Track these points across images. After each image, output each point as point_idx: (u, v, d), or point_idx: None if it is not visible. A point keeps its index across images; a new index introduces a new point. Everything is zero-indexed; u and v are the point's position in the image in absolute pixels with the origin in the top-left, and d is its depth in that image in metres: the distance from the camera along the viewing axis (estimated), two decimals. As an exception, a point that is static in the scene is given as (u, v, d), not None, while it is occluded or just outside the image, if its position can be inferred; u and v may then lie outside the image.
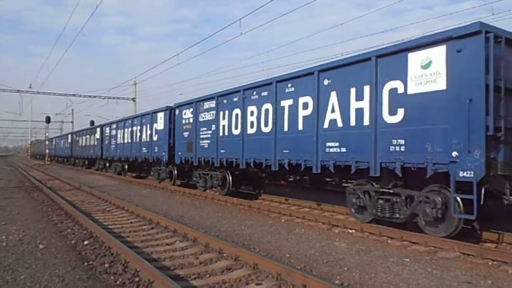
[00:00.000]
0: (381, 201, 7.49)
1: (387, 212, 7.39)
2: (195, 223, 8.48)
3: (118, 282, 4.67)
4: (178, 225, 7.55)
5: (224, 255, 5.75)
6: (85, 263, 5.38)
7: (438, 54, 6.36)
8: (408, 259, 5.76)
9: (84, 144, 31.31)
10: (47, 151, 47.56)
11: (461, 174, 6.00)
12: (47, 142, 48.91)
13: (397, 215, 7.27)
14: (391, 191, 7.37)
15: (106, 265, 5.29)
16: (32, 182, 18.65)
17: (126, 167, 22.45)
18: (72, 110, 57.05)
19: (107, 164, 26.20)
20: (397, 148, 6.97)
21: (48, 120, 45.24)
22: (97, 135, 26.95)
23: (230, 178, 12.33)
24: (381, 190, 7.51)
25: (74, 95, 40.83)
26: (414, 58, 6.71)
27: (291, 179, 13.47)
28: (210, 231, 7.54)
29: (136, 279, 4.71)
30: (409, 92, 6.78)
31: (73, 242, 6.64)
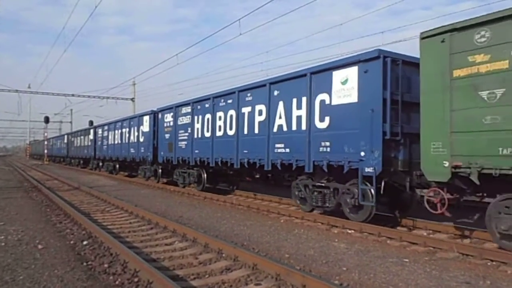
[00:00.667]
0: (315, 193, 9.01)
1: (319, 202, 8.89)
2: (194, 223, 8.48)
3: (117, 282, 4.66)
4: (177, 225, 7.54)
5: (223, 255, 5.75)
6: (84, 263, 5.37)
7: (352, 73, 7.93)
8: (407, 260, 5.77)
9: (79, 144, 33.12)
10: (45, 151, 47.48)
11: (366, 170, 7.58)
12: (45, 142, 48.82)
13: (327, 204, 8.78)
14: (322, 184, 8.86)
15: (105, 265, 5.28)
16: (30, 182, 18.62)
17: (117, 166, 23.88)
18: (71, 110, 57.02)
19: (100, 164, 27.49)
20: (325, 149, 8.56)
21: (46, 120, 45.16)
22: (91, 136, 28.66)
23: (205, 175, 13.91)
24: (316, 184, 9.03)
25: (73, 95, 40.74)
26: (337, 76, 8.28)
27: (257, 176, 14.87)
28: (209, 231, 7.54)
29: (135, 279, 4.70)
30: (333, 103, 8.35)
31: (72, 242, 6.63)
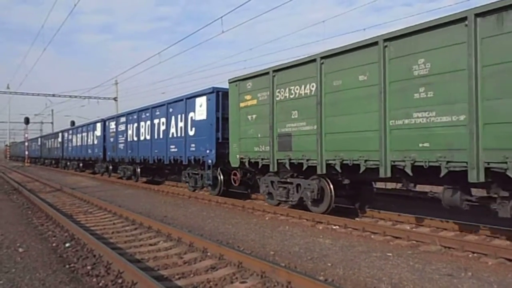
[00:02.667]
0: (193, 176, 13.73)
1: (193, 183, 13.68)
2: (179, 223, 8.42)
3: (100, 284, 4.59)
4: (161, 225, 7.48)
5: (208, 254, 5.72)
6: (67, 266, 5.27)
7: (204, 100, 12.56)
8: (390, 254, 5.85)
9: (50, 146, 37.82)
10: (26, 152, 46.58)
11: (209, 162, 12.16)
12: (26, 144, 47.91)
13: (198, 184, 13.53)
14: (196, 172, 13.47)
15: (89, 267, 5.20)
16: (11, 184, 18.20)
17: (81, 165, 27.72)
18: (52, 110, 55.96)
19: (68, 163, 31.39)
20: (193, 149, 13.11)
21: (27, 121, 44.16)
22: (59, 139, 33.13)
23: (139, 170, 18.11)
24: (190, 172, 13.89)
25: (53, 95, 39.93)
26: (198, 101, 12.87)
27: (167, 170, 17.92)
28: (194, 231, 7.50)
29: (119, 281, 4.64)
30: (196, 119, 13.01)
31: (54, 244, 6.50)
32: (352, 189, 8.98)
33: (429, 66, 6.29)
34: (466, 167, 5.79)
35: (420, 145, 6.35)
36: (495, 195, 5.96)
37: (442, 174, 6.08)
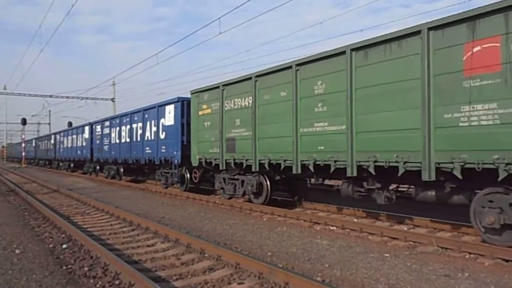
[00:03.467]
0: (165, 175, 15.46)
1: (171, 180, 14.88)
2: (176, 224, 8.41)
3: (98, 286, 4.58)
4: (159, 226, 7.47)
5: (206, 255, 5.72)
6: (64, 267, 5.26)
7: (172, 108, 14.31)
8: (388, 254, 5.86)
9: (43, 148, 39.95)
10: (23, 153, 46.46)
11: (176, 162, 13.95)
12: (23, 145, 47.80)
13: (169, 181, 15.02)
14: (166, 171, 15.08)
15: (86, 268, 5.18)
16: (8, 185, 18.13)
17: (72, 165, 29.22)
18: (49, 111, 55.73)
19: (60, 164, 33.08)
20: (163, 151, 14.99)
21: (24, 122, 43.96)
22: (52, 141, 35.18)
23: (122, 170, 19.85)
24: (162, 171, 15.56)
25: (50, 96, 39.76)
26: (167, 109, 14.68)
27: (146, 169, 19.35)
28: (192, 232, 7.49)
29: (117, 282, 4.63)
30: (166, 124, 14.79)
31: (51, 246, 6.48)
32: (287, 185, 10.56)
33: (324, 87, 8.10)
34: (345, 165, 7.55)
35: (319, 147, 8.15)
36: (373, 187, 7.62)
37: (331, 170, 7.88)
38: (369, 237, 7.02)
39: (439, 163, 6.18)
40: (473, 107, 5.74)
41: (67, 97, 39.79)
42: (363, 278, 4.82)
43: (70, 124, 41.60)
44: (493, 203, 5.81)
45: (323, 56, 8.10)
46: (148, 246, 6.53)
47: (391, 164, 6.79)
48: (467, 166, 5.81)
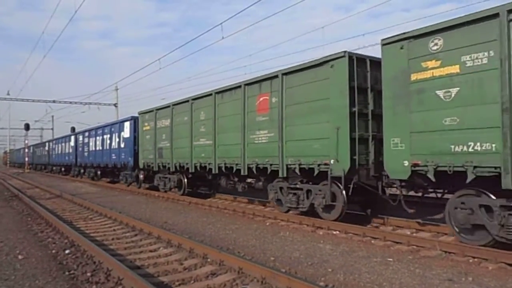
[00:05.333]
0: (125, 176, 19.33)
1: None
2: (179, 229, 8.41)
3: (100, 291, 4.58)
4: (161, 231, 7.47)
5: (209, 260, 5.71)
6: (67, 273, 5.26)
7: (129, 124, 18.30)
8: (391, 259, 5.83)
9: (39, 154, 45.12)
10: (26, 159, 46.62)
11: (130, 165, 18.24)
12: (26, 150, 48.00)
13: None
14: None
15: (88, 274, 5.18)
16: (11, 191, 18.18)
17: (63, 169, 33.73)
18: (52, 116, 55.95)
19: (53, 168, 37.76)
20: (123, 157, 18.81)
21: (27, 127, 44.16)
22: (46, 148, 40.62)
23: (99, 172, 23.56)
24: (128, 173, 18.94)
25: (54, 101, 39.89)
26: (125, 124, 18.73)
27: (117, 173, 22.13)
28: (195, 237, 7.49)
29: (119, 288, 4.64)
30: (124, 136, 18.66)
31: (54, 251, 6.49)
32: (203, 180, 14.16)
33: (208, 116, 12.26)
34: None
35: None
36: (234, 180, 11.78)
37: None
38: (372, 241, 6.99)
39: (249, 164, 10.44)
40: (259, 133, 10.08)
41: (70, 103, 39.96)
42: (366, 283, 4.80)
43: (73, 129, 41.70)
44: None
45: (205, 95, 12.34)
46: (151, 251, 6.53)
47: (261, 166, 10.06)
48: (260, 166, 10.06)
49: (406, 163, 6.71)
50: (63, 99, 39.89)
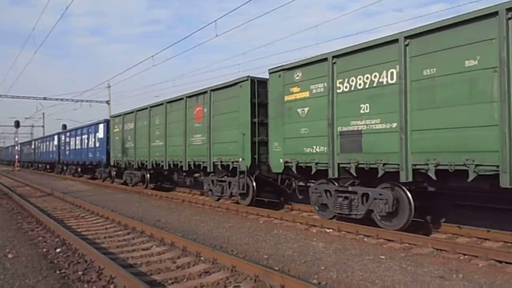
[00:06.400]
0: (100, 172, 21.96)
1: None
2: (172, 227, 8.37)
3: (92, 290, 4.55)
4: (154, 230, 7.43)
5: (202, 258, 5.69)
6: (57, 272, 5.21)
7: (102, 126, 20.78)
8: (383, 256, 5.87)
9: (26, 152, 47.28)
10: (16, 156, 46.13)
11: (103, 163, 20.49)
12: (16, 148, 47.52)
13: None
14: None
15: (80, 272, 5.14)
16: (0, 189, 17.96)
17: (48, 166, 35.83)
18: (43, 114, 55.34)
19: (39, 165, 39.95)
20: (98, 155, 21.16)
21: (17, 124, 43.59)
22: (32, 146, 42.85)
23: (80, 169, 25.93)
24: (102, 169, 21.23)
25: (45, 98, 39.30)
26: (100, 126, 21.10)
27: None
28: (188, 235, 7.46)
29: (111, 286, 4.60)
30: (99, 137, 21.03)
31: (44, 250, 6.43)
32: (160, 176, 16.37)
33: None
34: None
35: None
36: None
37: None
38: (365, 239, 7.03)
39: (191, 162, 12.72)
40: (196, 136, 12.38)
41: (62, 100, 39.54)
42: (359, 280, 4.82)
43: (64, 126, 41.34)
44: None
45: (176, 99, 13.72)
46: (143, 249, 6.49)
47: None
48: (196, 163, 12.41)
49: (281, 160, 9.08)
50: (54, 96, 39.66)
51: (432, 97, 6.23)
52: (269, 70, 9.49)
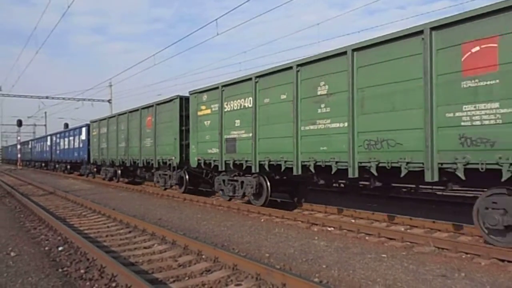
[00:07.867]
0: (84, 169, 25.40)
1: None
2: (173, 225, 8.39)
3: (94, 288, 4.56)
4: (156, 228, 7.44)
5: (203, 256, 5.70)
6: (60, 270, 5.23)
7: (84, 129, 24.61)
8: (385, 255, 5.86)
9: (24, 151, 50.13)
10: (18, 155, 46.28)
11: (85, 161, 24.46)
12: (18, 147, 47.66)
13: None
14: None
15: (82, 271, 5.15)
16: (3, 187, 18.02)
17: (43, 164, 39.28)
18: (45, 113, 55.53)
19: (35, 164, 43.69)
20: (82, 154, 24.73)
21: (19, 123, 43.72)
22: (29, 146, 47.20)
23: (69, 167, 28.74)
24: (86, 167, 24.72)
25: (47, 97, 39.51)
26: (83, 129, 24.71)
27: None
28: (189, 233, 7.47)
29: (113, 284, 4.61)
30: (82, 139, 24.75)
31: (47, 248, 6.44)
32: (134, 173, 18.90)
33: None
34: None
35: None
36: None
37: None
38: (367, 237, 7.03)
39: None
40: (147, 140, 15.55)
41: (64, 99, 39.67)
42: (361, 278, 4.82)
43: (66, 125, 41.48)
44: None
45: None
46: (145, 248, 6.50)
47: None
48: (148, 161, 15.86)
49: (196, 158, 12.16)
50: (56, 95, 39.72)
51: (267, 116, 9.53)
52: (189, 92, 12.59)
